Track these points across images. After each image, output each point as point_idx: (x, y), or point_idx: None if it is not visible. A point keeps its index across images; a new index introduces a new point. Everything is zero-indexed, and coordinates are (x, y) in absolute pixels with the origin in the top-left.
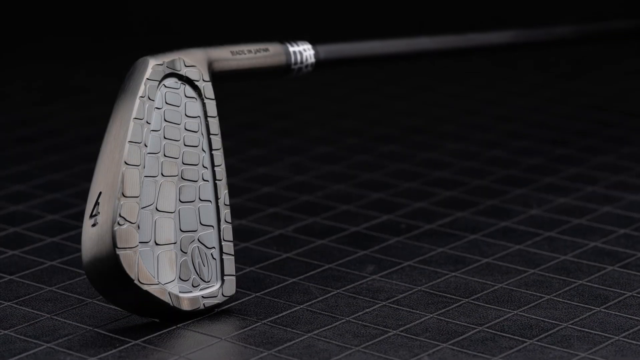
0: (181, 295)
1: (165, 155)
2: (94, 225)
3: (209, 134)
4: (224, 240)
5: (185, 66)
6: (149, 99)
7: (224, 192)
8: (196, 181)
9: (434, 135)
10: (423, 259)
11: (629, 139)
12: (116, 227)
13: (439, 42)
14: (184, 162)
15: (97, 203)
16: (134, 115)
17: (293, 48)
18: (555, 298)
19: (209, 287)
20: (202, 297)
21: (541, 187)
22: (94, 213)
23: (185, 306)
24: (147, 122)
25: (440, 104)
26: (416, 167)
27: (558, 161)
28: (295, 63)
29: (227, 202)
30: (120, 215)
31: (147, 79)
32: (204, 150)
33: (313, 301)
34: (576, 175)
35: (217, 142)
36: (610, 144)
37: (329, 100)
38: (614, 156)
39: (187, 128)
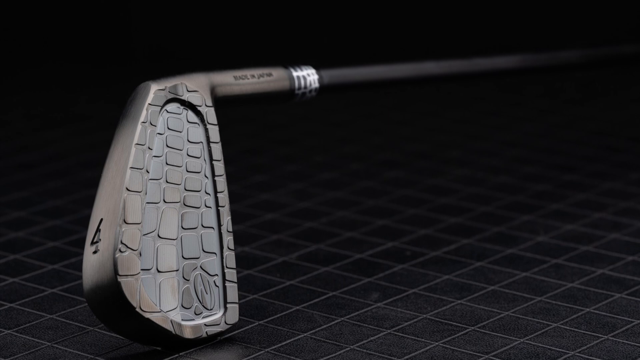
0: (183, 323)
1: (167, 182)
2: (95, 252)
3: (211, 159)
4: (226, 267)
5: (188, 91)
6: (151, 124)
7: (226, 219)
8: (199, 207)
9: (439, 161)
10: (428, 286)
11: (637, 165)
12: (117, 254)
13: (445, 66)
14: (186, 189)
15: (98, 230)
16: (135, 140)
17: (297, 73)
18: (562, 326)
19: (211, 314)
20: (205, 325)
21: (548, 214)
22: (95, 240)
23: (188, 334)
24: (149, 148)
25: (446, 130)
26: (421, 193)
27: (565, 187)
28: (299, 88)
29: (230, 229)
30: (121, 242)
31: (149, 104)
32: (206, 177)
33: (317, 329)
34: (584, 202)
35: (219, 168)
36: (618, 169)
37: (333, 126)
38: (622, 182)
39: (189, 154)
